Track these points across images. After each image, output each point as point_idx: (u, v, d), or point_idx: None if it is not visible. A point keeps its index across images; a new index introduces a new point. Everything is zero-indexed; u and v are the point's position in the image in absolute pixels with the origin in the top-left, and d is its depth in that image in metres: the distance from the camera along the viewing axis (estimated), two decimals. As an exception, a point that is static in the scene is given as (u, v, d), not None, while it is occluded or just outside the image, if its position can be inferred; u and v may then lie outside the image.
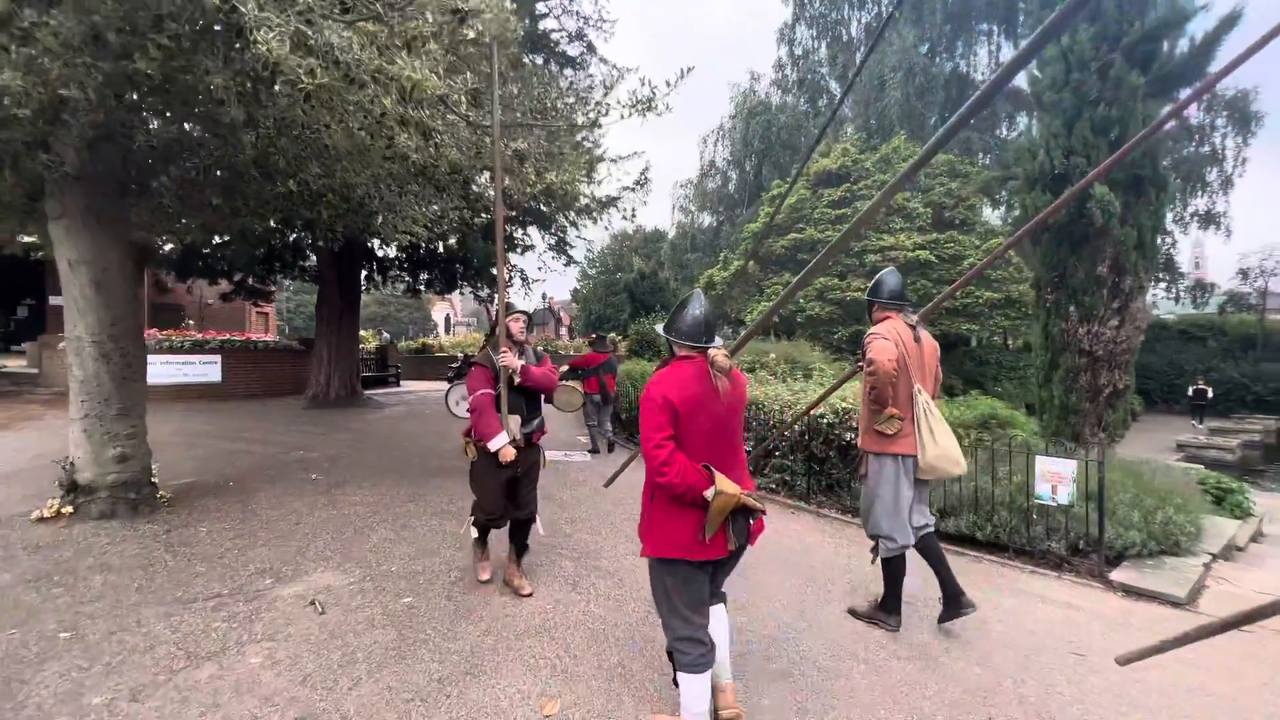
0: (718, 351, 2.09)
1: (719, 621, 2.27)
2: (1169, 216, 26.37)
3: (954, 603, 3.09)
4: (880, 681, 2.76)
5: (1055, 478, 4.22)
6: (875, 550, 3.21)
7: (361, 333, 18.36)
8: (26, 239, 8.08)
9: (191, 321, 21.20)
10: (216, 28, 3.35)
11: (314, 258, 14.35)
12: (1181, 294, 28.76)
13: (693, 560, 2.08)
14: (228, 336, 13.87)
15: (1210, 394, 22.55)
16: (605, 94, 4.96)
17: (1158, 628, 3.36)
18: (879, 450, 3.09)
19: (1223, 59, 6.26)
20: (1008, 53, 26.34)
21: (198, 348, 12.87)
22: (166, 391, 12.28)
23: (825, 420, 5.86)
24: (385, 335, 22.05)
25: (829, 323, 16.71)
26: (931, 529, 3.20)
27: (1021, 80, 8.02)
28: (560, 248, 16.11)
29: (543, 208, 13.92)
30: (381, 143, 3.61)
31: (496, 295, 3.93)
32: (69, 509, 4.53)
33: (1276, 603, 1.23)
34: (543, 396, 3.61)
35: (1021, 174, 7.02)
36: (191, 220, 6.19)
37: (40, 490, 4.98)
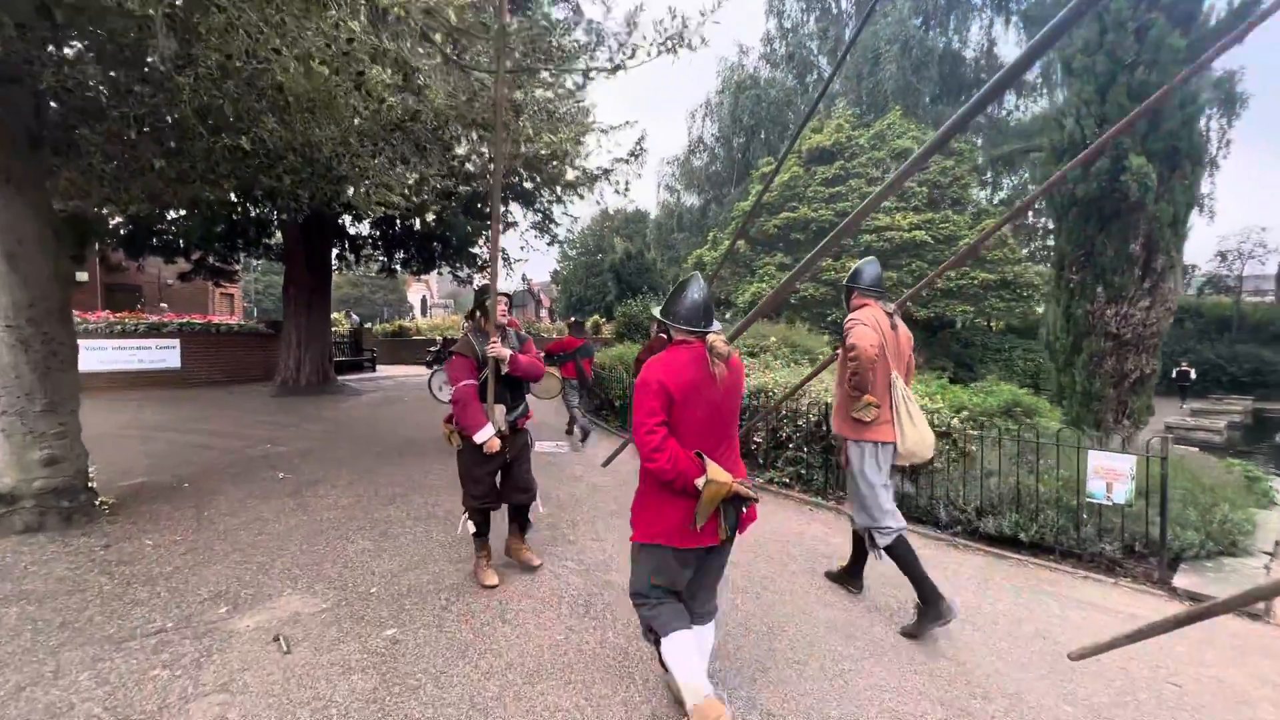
0: (717, 337, 2.05)
1: (703, 640, 2.22)
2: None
3: (850, 575, 3.33)
4: (961, 727, 2.35)
5: (1110, 474, 3.86)
6: (873, 545, 3.11)
7: (333, 314, 17.49)
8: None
9: (164, 305, 20.04)
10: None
11: (280, 234, 13.45)
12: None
13: (680, 548, 2.07)
14: (187, 319, 12.97)
15: (1193, 375, 22.91)
16: (630, 31, 4.32)
17: (1246, 645, 3.03)
18: (856, 437, 3.10)
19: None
20: (999, 30, 26.00)
21: (154, 331, 11.98)
22: (120, 379, 11.43)
23: (845, 409, 5.43)
24: (354, 317, 21.04)
25: (822, 304, 16.37)
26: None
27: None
28: (544, 226, 15.42)
29: (526, 184, 13.26)
30: (349, 81, 2.99)
31: (489, 273, 3.38)
32: (-14, 522, 3.89)
33: (1229, 600, 1.28)
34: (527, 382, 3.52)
35: (1047, 144, 6.61)
36: (132, 187, 5.45)
37: (-45, 498, 4.32)
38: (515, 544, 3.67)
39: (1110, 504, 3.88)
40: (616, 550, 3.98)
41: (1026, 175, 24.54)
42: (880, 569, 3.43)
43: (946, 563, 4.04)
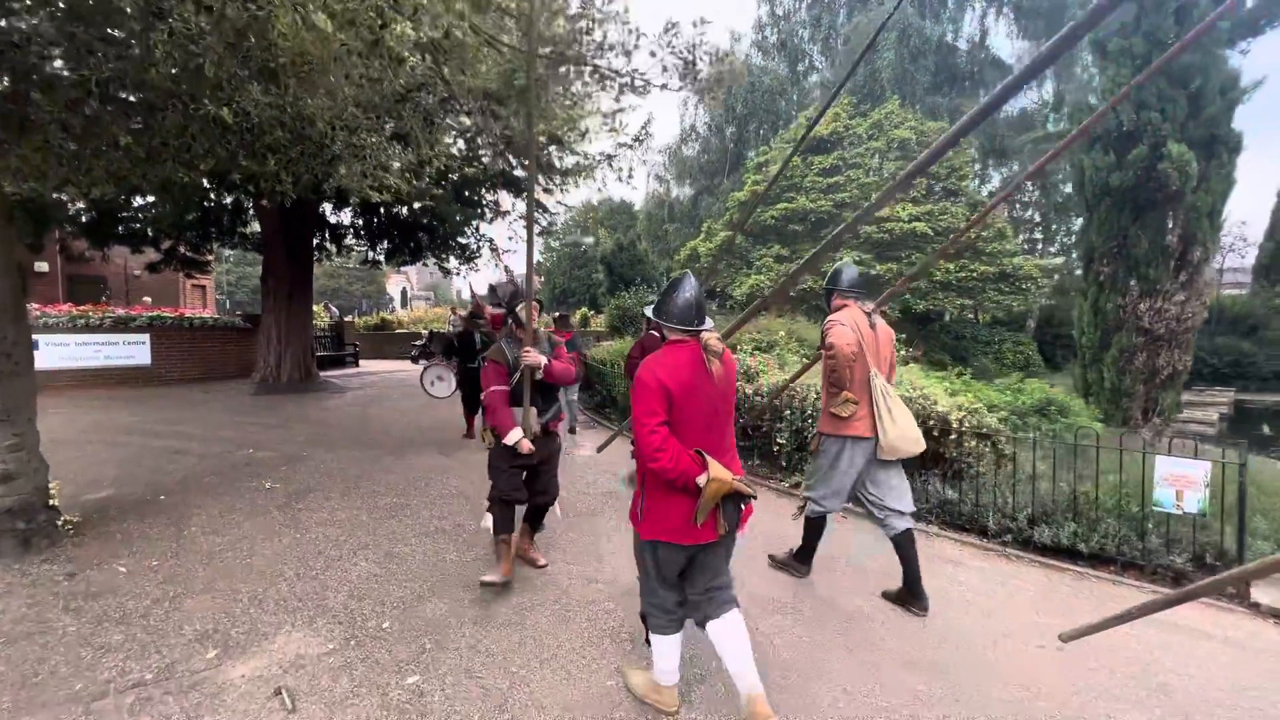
0: (710, 335, 2.10)
1: (733, 630, 2.19)
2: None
3: (912, 594, 3.20)
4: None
5: (1181, 481, 3.62)
6: (802, 509, 3.48)
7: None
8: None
9: (148, 299, 19.12)
10: None
11: (257, 223, 12.77)
12: None
13: (681, 544, 2.13)
14: (157, 312, 12.25)
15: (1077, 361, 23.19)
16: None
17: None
18: (834, 432, 3.24)
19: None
20: (991, 20, 25.95)
21: (121, 325, 11.27)
22: (84, 377, 10.73)
23: (878, 410, 5.14)
24: (334, 310, 20.38)
25: (820, 295, 16.09)
26: (910, 526, 3.22)
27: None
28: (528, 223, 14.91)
29: (517, 172, 12.76)
30: (359, 41, 2.56)
31: (510, 275, 3.04)
32: (-71, 548, 3.41)
33: (1219, 579, 1.42)
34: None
35: (1077, 131, 6.34)
36: (95, 167, 4.90)
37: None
38: (524, 543, 3.66)
39: (1180, 513, 3.64)
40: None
41: (1016, 167, 24.67)
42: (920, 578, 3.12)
43: (1002, 576, 3.78)
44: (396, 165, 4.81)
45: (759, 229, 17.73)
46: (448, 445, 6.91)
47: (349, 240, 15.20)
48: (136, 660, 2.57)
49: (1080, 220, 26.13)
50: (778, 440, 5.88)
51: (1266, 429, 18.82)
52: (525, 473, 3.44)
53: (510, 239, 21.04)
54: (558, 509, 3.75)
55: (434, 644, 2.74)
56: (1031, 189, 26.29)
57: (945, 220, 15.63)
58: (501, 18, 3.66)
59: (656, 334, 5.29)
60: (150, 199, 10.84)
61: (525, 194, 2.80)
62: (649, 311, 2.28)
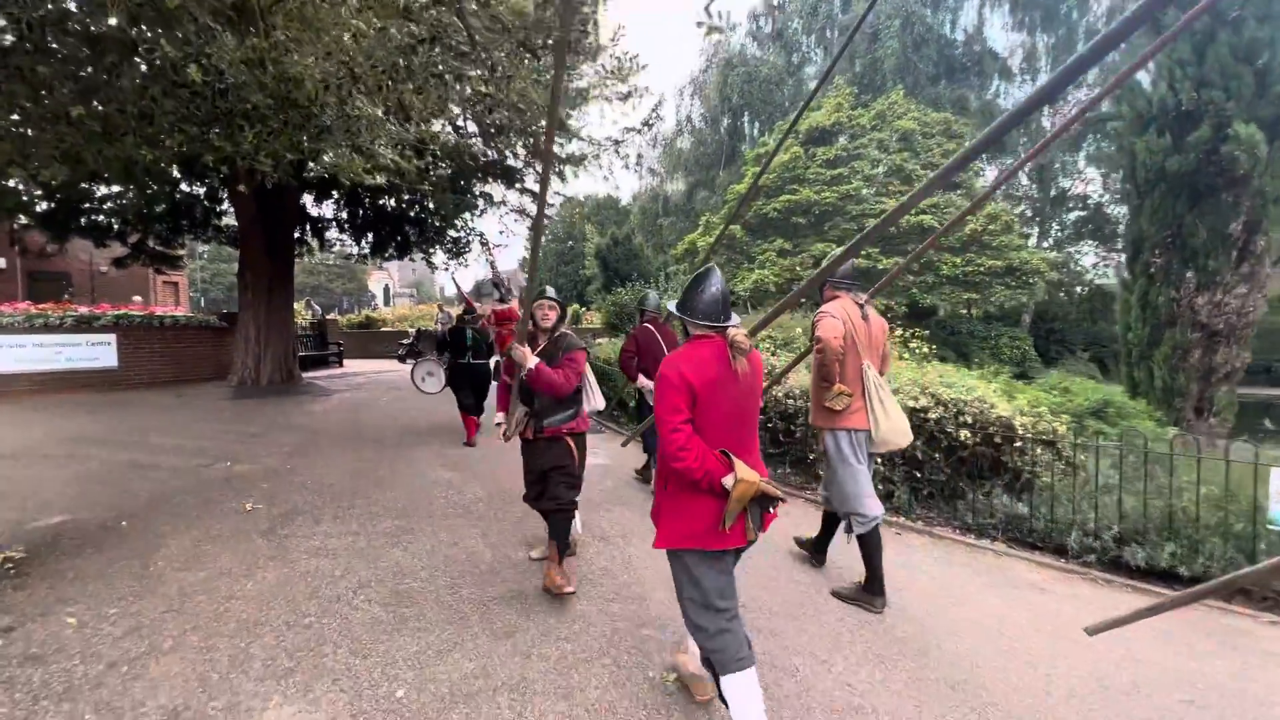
0: (738, 331, 2.02)
1: (750, 690, 1.96)
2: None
3: (872, 589, 3.17)
4: None
5: (1304, 497, 3.21)
6: (849, 529, 3.25)
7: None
8: None
9: (138, 298, 18.19)
10: None
11: (232, 214, 12.03)
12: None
13: (713, 550, 2.02)
14: (124, 310, 11.46)
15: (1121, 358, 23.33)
16: None
17: None
18: (830, 426, 3.22)
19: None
20: (988, 11, 25.80)
21: (84, 325, 10.48)
22: (43, 380, 9.95)
23: (931, 416, 4.70)
24: (316, 307, 19.60)
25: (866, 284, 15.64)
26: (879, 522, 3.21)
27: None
28: (524, 209, 14.38)
29: (510, 161, 12.18)
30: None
31: (527, 266, 2.56)
32: None
33: (1241, 575, 1.48)
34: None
35: (1128, 112, 5.97)
36: (42, 143, 4.27)
37: None
38: (548, 564, 3.28)
39: (1303, 533, 3.24)
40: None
41: (1011, 161, 24.54)
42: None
43: (1100, 605, 3.33)
44: (393, 142, 4.25)
45: (761, 222, 17.29)
46: (450, 454, 6.35)
47: (332, 234, 14.51)
48: (83, 756, 2.01)
49: (1117, 209, 26.05)
50: (814, 448, 5.42)
51: (1268, 423, 18.99)
52: (537, 476, 3.26)
53: (501, 233, 20.41)
54: (578, 526, 3.42)
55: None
56: (1028, 183, 26.24)
57: (951, 212, 15.31)
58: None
59: (651, 327, 5.00)
60: (114, 188, 10.09)
61: (542, 163, 2.29)
62: (672, 306, 2.19)
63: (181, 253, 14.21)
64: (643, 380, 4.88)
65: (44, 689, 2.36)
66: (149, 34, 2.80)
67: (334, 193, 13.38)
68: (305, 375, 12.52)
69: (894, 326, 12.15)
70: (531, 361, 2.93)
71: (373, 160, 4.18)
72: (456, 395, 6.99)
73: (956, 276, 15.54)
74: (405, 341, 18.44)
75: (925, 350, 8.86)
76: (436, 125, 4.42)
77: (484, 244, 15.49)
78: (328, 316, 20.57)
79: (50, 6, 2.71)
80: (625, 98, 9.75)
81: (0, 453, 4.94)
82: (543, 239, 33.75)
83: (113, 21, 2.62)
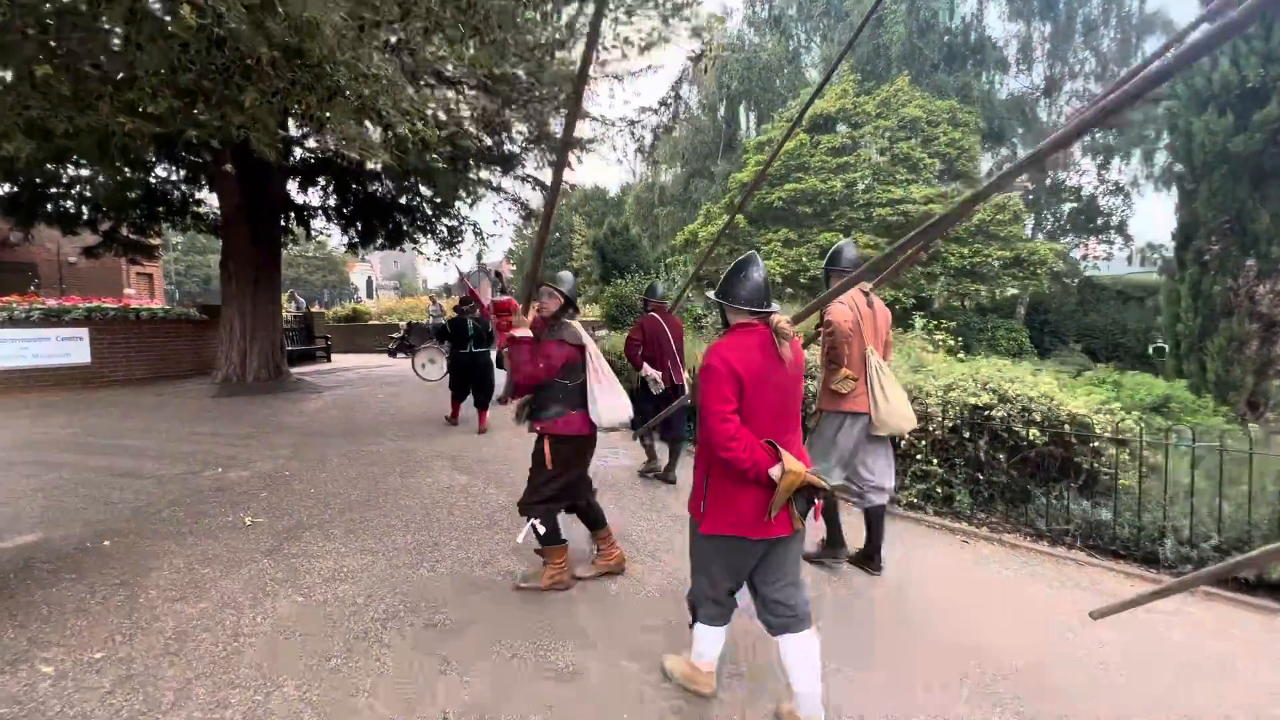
0: (781, 318, 2.00)
1: (807, 651, 2.07)
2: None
3: (868, 558, 3.49)
4: None
5: None
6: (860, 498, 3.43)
7: (279, 298, 15.34)
8: None
9: (130, 291, 17.33)
10: None
11: (213, 201, 11.36)
12: (1134, 255, 30.42)
13: (754, 539, 2.02)
14: (97, 303, 10.79)
15: (1167, 350, 23.56)
16: None
17: None
18: (835, 409, 3.33)
19: None
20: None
21: (54, 318, 9.82)
22: (8, 380, 9.30)
23: (996, 414, 4.37)
24: (300, 300, 18.88)
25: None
26: (885, 502, 3.44)
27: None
28: (518, 206, 13.96)
29: (508, 146, 11.70)
30: None
31: (535, 241, 2.13)
32: None
33: (1243, 559, 1.53)
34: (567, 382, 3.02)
35: (1184, 91, 5.68)
36: (6, 112, 3.73)
37: None
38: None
39: None
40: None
41: (1005, 152, 24.49)
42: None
43: (1217, 624, 3.02)
44: (409, 109, 3.79)
45: (764, 212, 16.92)
46: (459, 455, 5.91)
47: (318, 223, 13.90)
48: None
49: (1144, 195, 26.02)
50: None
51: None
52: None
53: (495, 222, 19.83)
54: (524, 529, 3.10)
55: (545, 798, 1.83)
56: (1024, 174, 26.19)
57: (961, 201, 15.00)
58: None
59: (657, 316, 4.97)
60: (85, 171, 9.41)
61: (566, 120, 1.90)
62: (711, 294, 2.16)
63: (157, 242, 13.49)
64: (647, 369, 4.86)
65: (16, 766, 1.92)
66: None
67: (320, 179, 12.78)
68: (293, 371, 11.93)
69: (910, 319, 11.92)
70: (520, 332, 2.92)
71: (389, 126, 3.71)
72: (453, 384, 7.10)
73: (964, 268, 15.33)
74: (395, 335, 17.83)
75: (952, 343, 8.60)
76: (450, 92, 3.98)
77: (478, 234, 14.98)
78: (313, 309, 19.88)
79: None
80: (622, 78, 9.31)
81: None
82: (528, 230, 33.20)
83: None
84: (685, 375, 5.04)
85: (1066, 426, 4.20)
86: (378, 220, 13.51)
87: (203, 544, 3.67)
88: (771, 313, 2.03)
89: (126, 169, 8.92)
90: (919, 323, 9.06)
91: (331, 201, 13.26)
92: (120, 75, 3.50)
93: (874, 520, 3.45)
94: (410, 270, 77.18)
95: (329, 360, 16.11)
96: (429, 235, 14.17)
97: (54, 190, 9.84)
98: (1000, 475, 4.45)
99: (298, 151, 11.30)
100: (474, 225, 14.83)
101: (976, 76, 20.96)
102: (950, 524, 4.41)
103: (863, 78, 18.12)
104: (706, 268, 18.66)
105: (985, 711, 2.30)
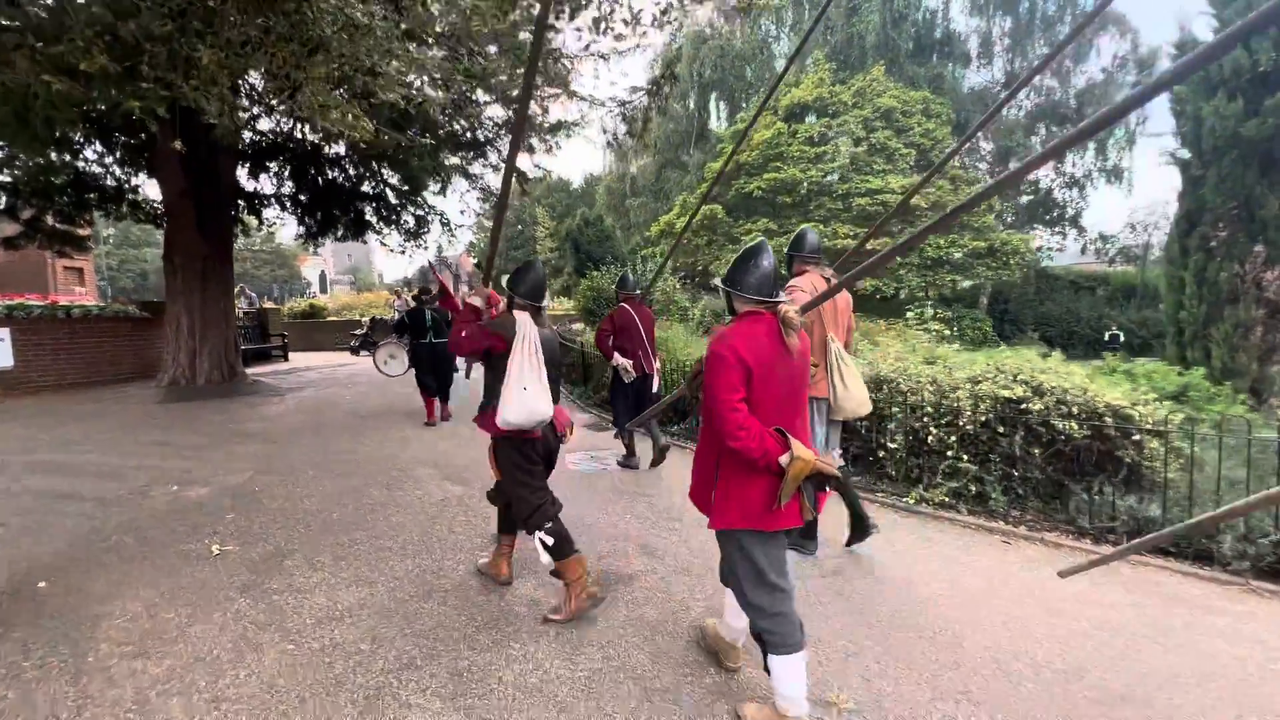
0: (789, 307, 2.00)
1: (799, 670, 2.02)
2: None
3: (859, 528, 3.58)
4: None
5: None
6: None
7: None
8: None
9: (81, 289, 15.81)
10: None
11: (154, 187, 10.38)
12: (1088, 246, 31.88)
13: (769, 531, 2.01)
14: (20, 300, 9.71)
15: (1122, 338, 24.62)
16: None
17: None
18: None
19: None
20: (951, -8, 25.95)
21: (-33, 318, 8.76)
22: (-84, 386, 8.24)
23: (1033, 408, 4.19)
24: (251, 295, 17.77)
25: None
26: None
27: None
28: (488, 192, 13.36)
29: (479, 132, 11.12)
30: None
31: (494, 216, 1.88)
32: None
33: (1198, 521, 1.73)
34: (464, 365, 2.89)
35: (1194, 76, 5.62)
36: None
37: None
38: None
39: None
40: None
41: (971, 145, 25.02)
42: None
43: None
44: (401, 73, 3.32)
45: (743, 201, 16.72)
46: (448, 460, 5.44)
47: (271, 212, 12.93)
48: None
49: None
50: (886, 444, 4.85)
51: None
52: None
53: (463, 213, 19.12)
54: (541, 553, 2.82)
55: None
56: (986, 165, 26.87)
57: (934, 194, 15.23)
58: None
59: (628, 307, 5.03)
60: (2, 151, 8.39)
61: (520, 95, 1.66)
62: (719, 281, 2.16)
63: (86, 233, 12.30)
64: (618, 358, 4.97)
65: None
66: None
67: (272, 164, 11.88)
68: (249, 372, 11.06)
69: (902, 311, 11.95)
70: (475, 299, 2.85)
71: (372, 95, 3.23)
72: (418, 376, 7.02)
73: (939, 258, 15.49)
74: (358, 332, 16.94)
75: (948, 333, 8.54)
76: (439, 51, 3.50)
77: (445, 224, 14.31)
78: (267, 305, 18.71)
79: None
80: (607, 56, 8.89)
81: None
82: (490, 223, 32.80)
83: None
84: (655, 364, 5.17)
85: (1108, 419, 4.04)
86: (338, 209, 12.70)
87: (162, 581, 3.13)
88: (779, 302, 2.02)
89: (51, 150, 7.99)
90: (912, 314, 8.97)
91: (287, 188, 12.38)
92: (45, 22, 2.92)
93: (843, 494, 3.58)
94: (365, 264, 74.47)
95: (286, 359, 15.16)
96: (394, 226, 13.43)
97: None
98: (1035, 471, 4.28)
99: (250, 134, 10.44)
100: (441, 215, 14.14)
101: (945, 68, 21.28)
102: (986, 523, 4.21)
103: (838, 67, 18.08)
104: (684, 259, 18.42)
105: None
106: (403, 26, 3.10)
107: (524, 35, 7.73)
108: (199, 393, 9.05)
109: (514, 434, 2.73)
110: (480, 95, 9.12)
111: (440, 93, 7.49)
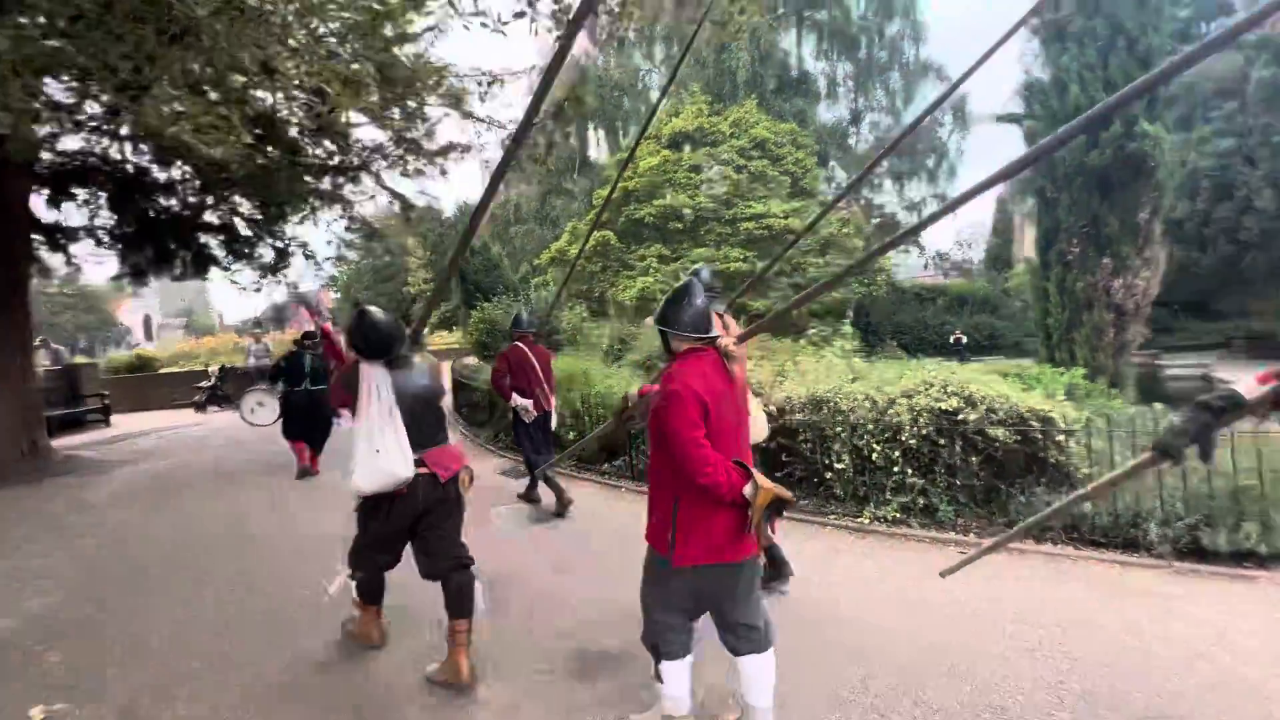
0: (727, 341, 2.12)
1: (766, 667, 2.12)
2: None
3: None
4: None
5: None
6: None
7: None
8: None
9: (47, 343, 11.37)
10: None
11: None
12: (929, 262, 36.70)
13: (734, 562, 2.04)
14: None
15: (965, 340, 28.23)
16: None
17: None
18: None
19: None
20: (805, 35, 28.76)
21: None
22: None
23: (969, 418, 4.38)
24: (56, 348, 14.71)
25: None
26: None
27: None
28: (359, 224, 12.23)
29: (353, 158, 10.16)
30: None
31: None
32: None
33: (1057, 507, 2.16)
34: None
35: (1043, 112, 6.47)
36: None
37: None
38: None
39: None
40: None
41: (827, 174, 27.73)
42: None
43: (1230, 603, 3.14)
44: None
45: (635, 228, 16.87)
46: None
47: (83, 247, 10.68)
48: None
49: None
50: (833, 465, 4.83)
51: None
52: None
53: (330, 243, 17.30)
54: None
55: None
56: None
57: (809, 217, 16.44)
58: None
59: (523, 346, 5.06)
60: None
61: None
62: (650, 321, 2.30)
63: None
64: (517, 399, 4.96)
65: None
66: None
67: (78, 191, 9.83)
68: (58, 445, 8.89)
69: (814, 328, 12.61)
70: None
71: (243, 101, 2.64)
72: (285, 426, 6.68)
73: (817, 279, 16.68)
74: (204, 385, 14.51)
75: (850, 346, 9.03)
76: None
77: (309, 256, 12.83)
78: (78, 360, 15.49)
79: None
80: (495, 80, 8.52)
81: None
82: (355, 255, 30.25)
83: None
84: (555, 401, 5.24)
85: (1033, 423, 4.32)
86: (175, 242, 10.83)
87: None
88: (716, 337, 2.09)
89: None
90: (814, 330, 9.40)
91: (104, 219, 10.30)
92: None
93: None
94: (201, 304, 65.45)
95: (108, 423, 12.52)
96: (246, 260, 11.73)
97: None
98: (973, 479, 4.47)
99: (49, 154, 8.54)
100: (304, 246, 12.65)
101: (805, 105, 23.36)
102: (937, 535, 4.31)
103: (714, 99, 19.10)
104: (579, 285, 18.14)
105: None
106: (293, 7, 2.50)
107: (409, 49, 7.14)
108: (-15, 480, 7.03)
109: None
110: (353, 116, 8.27)
111: (300, 111, 6.64)
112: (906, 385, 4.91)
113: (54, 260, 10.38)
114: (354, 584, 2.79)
